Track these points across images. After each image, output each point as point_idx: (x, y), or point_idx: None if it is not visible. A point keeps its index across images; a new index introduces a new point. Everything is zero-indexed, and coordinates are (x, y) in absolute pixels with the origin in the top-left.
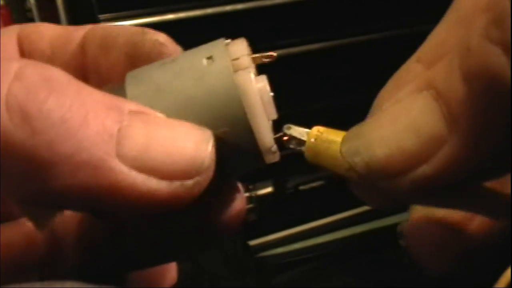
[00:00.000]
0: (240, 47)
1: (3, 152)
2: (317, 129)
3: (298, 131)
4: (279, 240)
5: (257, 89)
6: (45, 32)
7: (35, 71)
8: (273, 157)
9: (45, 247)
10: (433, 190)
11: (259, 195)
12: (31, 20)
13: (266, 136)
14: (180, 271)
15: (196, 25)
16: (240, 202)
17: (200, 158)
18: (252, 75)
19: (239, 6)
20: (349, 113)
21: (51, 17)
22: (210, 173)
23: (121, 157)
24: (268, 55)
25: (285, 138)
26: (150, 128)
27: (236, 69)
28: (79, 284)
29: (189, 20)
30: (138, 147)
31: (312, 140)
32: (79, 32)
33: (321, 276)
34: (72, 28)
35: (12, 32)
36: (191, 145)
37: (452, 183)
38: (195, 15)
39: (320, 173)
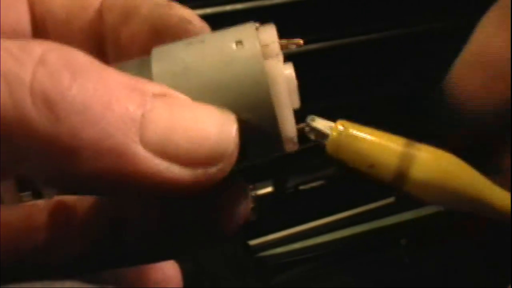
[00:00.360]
0: (270, 34)
1: (26, 138)
2: (341, 123)
3: (322, 124)
4: (279, 240)
5: (285, 78)
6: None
7: (59, 55)
8: (293, 147)
9: (44, 232)
10: None
11: (259, 195)
12: None
13: (289, 125)
14: (180, 271)
15: None
16: (246, 203)
17: (224, 144)
18: (281, 63)
19: (239, 6)
20: (349, 113)
21: None
22: (233, 159)
23: (144, 143)
24: (295, 41)
25: (308, 129)
26: (173, 112)
27: (266, 56)
28: (78, 284)
29: None
30: (161, 132)
31: (336, 134)
32: None
33: (321, 275)
34: None
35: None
36: (215, 130)
37: None
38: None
39: (320, 173)
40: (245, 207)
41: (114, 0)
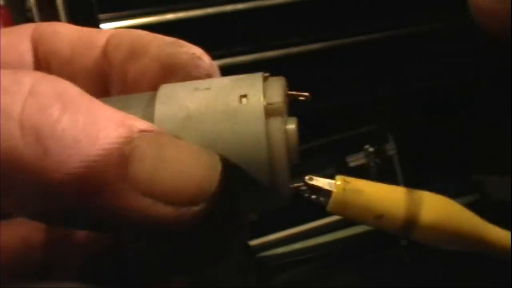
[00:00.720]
0: (276, 91)
1: (14, 170)
2: (342, 179)
3: (321, 182)
4: (279, 240)
5: (285, 136)
6: (64, 33)
7: (49, 86)
8: (286, 203)
9: (42, 251)
10: None
11: None
12: (31, 20)
13: (284, 186)
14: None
15: (196, 25)
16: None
17: (209, 184)
18: (284, 123)
19: (240, 6)
20: (349, 113)
21: (51, 17)
22: (216, 199)
23: (129, 180)
24: (303, 94)
25: (305, 188)
26: (159, 149)
27: (269, 114)
28: (77, 285)
29: (189, 20)
30: (147, 170)
31: (340, 190)
32: (101, 35)
33: (321, 276)
34: (92, 31)
35: (25, 31)
36: (200, 170)
37: None
38: (195, 15)
39: (321, 173)
40: (239, 241)
41: (121, 39)
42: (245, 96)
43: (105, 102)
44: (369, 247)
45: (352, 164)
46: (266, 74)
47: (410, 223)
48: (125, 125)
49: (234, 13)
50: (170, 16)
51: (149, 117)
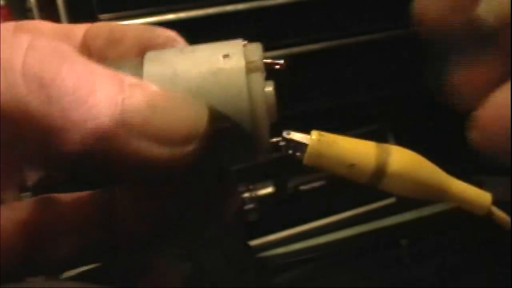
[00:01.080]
0: (255, 51)
1: (20, 118)
2: (318, 133)
3: (298, 136)
4: (279, 240)
5: (264, 92)
6: (44, 29)
7: (47, 43)
8: (264, 157)
9: (33, 230)
10: None
11: (259, 195)
12: (31, 20)
13: (264, 138)
14: (180, 271)
15: (197, 25)
16: (232, 203)
17: (198, 126)
18: (263, 79)
19: (240, 6)
20: (349, 113)
21: (51, 17)
22: (204, 140)
23: (125, 124)
24: (278, 62)
25: (282, 143)
26: (151, 98)
27: (249, 71)
28: (78, 284)
29: (190, 20)
30: (140, 115)
31: (315, 140)
32: (80, 28)
33: (321, 276)
34: (71, 25)
35: (8, 27)
36: (189, 114)
37: None
38: (196, 15)
39: (321, 173)
40: (231, 205)
41: (99, 29)
42: (227, 55)
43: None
44: (369, 247)
45: None
46: (245, 42)
47: (379, 172)
48: (118, 79)
49: (235, 14)
50: (171, 16)
51: (138, 77)
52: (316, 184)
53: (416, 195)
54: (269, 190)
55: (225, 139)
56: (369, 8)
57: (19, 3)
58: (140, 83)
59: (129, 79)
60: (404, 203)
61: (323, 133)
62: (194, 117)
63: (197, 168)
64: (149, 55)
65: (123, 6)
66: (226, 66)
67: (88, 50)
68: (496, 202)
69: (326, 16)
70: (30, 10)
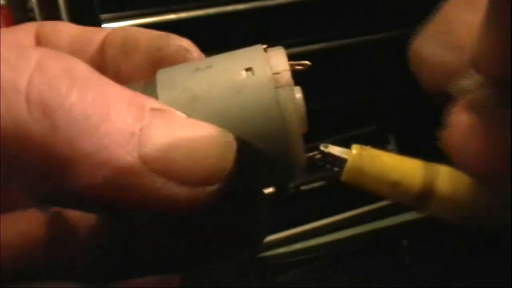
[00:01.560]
0: (280, 60)
1: (20, 147)
2: (359, 147)
3: (337, 150)
4: (280, 240)
5: (296, 106)
6: (64, 31)
7: (57, 62)
8: (301, 174)
9: (44, 248)
10: None
11: None
12: (32, 20)
13: (299, 153)
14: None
15: (198, 25)
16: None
17: (224, 164)
18: (292, 92)
19: (241, 6)
20: (349, 113)
21: (52, 17)
22: (232, 179)
23: (142, 158)
24: (302, 63)
25: (319, 156)
26: (172, 128)
27: (277, 85)
28: (75, 285)
29: (190, 20)
30: (160, 148)
31: (356, 154)
32: (100, 34)
33: (322, 276)
34: (92, 29)
35: (30, 28)
36: (215, 149)
37: None
38: (196, 15)
39: (322, 173)
40: (263, 226)
41: (115, 35)
42: (250, 69)
43: None
44: (369, 247)
45: None
46: (264, 46)
47: (426, 193)
48: (137, 103)
49: (235, 14)
50: (171, 17)
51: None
52: (316, 184)
53: (464, 219)
54: (269, 190)
55: (256, 164)
56: (369, 8)
57: (20, 2)
58: (162, 107)
59: (151, 102)
60: None
61: (364, 147)
62: (220, 153)
63: (225, 201)
64: (161, 78)
65: (124, 6)
66: (251, 82)
67: (103, 58)
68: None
69: (327, 17)
70: (31, 10)
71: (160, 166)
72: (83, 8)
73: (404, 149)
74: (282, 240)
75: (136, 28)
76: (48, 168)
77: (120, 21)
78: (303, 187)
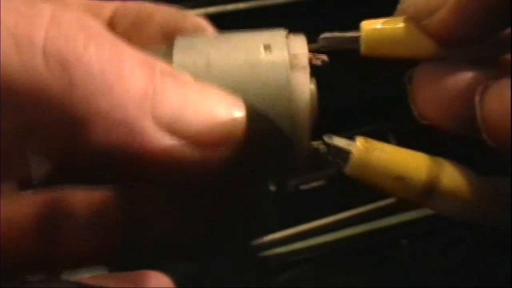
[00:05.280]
0: (300, 44)
1: (37, 103)
2: (363, 139)
3: (341, 141)
4: (279, 239)
5: (308, 92)
6: (73, 2)
7: (71, 15)
8: (304, 164)
9: (45, 232)
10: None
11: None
12: None
13: (306, 141)
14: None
15: None
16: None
17: (234, 127)
18: (307, 77)
19: (241, 5)
20: (349, 113)
21: None
22: (240, 144)
23: (155, 118)
24: (321, 57)
25: (324, 147)
26: (184, 91)
27: (293, 66)
28: (73, 285)
29: None
30: (173, 110)
31: (361, 147)
32: (109, 6)
33: (321, 275)
34: (101, 2)
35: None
36: (225, 112)
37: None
38: (196, 14)
39: (321, 172)
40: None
41: (127, 8)
42: (268, 46)
43: None
44: (369, 247)
45: None
46: (287, 31)
47: (431, 187)
48: (148, 64)
49: (235, 13)
50: None
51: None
52: (316, 184)
53: (467, 215)
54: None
55: (261, 142)
56: (369, 8)
57: None
58: (172, 71)
59: (161, 65)
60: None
61: (369, 140)
62: (231, 117)
63: (229, 174)
64: (180, 42)
65: None
66: (267, 58)
67: (113, 30)
68: None
69: (327, 16)
70: None
71: (174, 126)
72: None
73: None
74: (282, 240)
75: (149, 3)
76: (63, 125)
77: None
78: (302, 187)
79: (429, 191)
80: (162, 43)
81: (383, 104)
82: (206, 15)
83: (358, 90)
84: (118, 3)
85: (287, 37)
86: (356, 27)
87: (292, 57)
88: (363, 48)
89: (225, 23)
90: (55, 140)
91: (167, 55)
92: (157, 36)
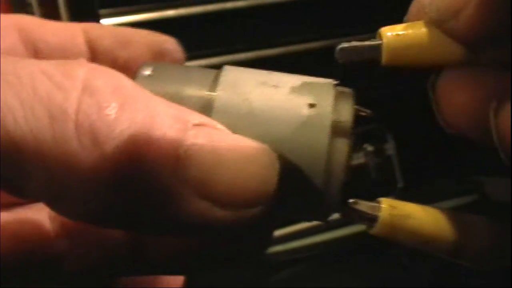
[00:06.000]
0: (347, 108)
1: (68, 175)
2: (388, 203)
3: (366, 206)
4: (278, 238)
5: (346, 163)
6: (46, 23)
7: (104, 80)
8: (326, 219)
9: (56, 240)
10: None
11: None
12: (31, 15)
13: (332, 208)
14: None
15: (197, 21)
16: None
17: (267, 186)
18: (347, 148)
19: (240, 3)
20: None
21: (51, 12)
22: (272, 201)
23: (186, 182)
24: (366, 111)
25: (349, 212)
26: (215, 148)
27: (335, 132)
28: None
29: (189, 17)
30: (203, 171)
31: (386, 215)
32: (77, 29)
33: (320, 274)
34: (69, 25)
35: (9, 21)
36: (258, 170)
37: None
38: (195, 12)
39: None
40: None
41: (101, 30)
42: (314, 105)
43: (165, 75)
44: (368, 246)
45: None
46: (336, 82)
47: (458, 248)
48: (180, 120)
49: (235, 11)
50: (171, 13)
51: (209, 103)
52: None
53: (502, 265)
54: None
55: (292, 197)
56: (368, 7)
57: None
58: (206, 123)
59: (194, 118)
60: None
61: (394, 204)
62: (265, 175)
63: (259, 226)
64: (226, 78)
65: (124, 2)
66: (310, 121)
67: (94, 50)
68: (496, 202)
69: (326, 15)
70: (29, 4)
71: (204, 189)
72: (82, 2)
73: (402, 148)
74: (280, 238)
75: (120, 27)
76: (95, 192)
77: (119, 16)
78: None
79: (458, 251)
80: (209, 70)
81: (383, 103)
82: (205, 13)
83: (356, 89)
84: (82, 26)
85: (335, 93)
86: (356, 27)
87: (336, 123)
88: (384, 57)
89: (224, 20)
90: (87, 203)
91: (213, 86)
92: (144, 53)
